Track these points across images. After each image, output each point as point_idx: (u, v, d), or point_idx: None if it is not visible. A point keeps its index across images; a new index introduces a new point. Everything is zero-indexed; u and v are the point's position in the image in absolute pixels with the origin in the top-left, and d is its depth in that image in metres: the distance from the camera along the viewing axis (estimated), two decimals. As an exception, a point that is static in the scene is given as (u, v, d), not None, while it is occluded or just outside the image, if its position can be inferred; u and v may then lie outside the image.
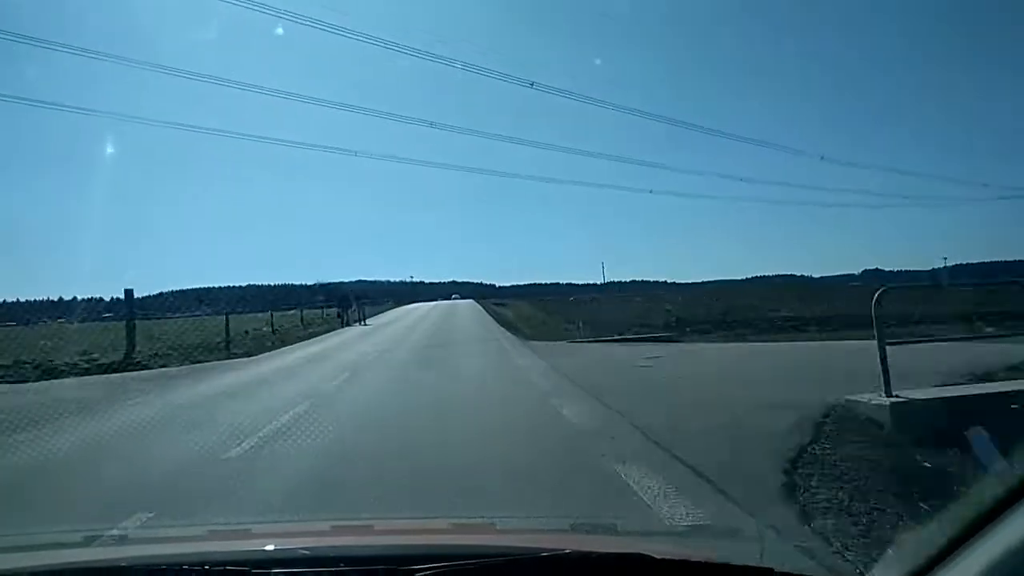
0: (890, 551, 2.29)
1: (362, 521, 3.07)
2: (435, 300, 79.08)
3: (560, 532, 2.46)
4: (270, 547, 1.82)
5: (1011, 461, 2.79)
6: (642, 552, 1.51)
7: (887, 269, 71.22)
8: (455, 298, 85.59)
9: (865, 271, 73.85)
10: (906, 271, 67.60)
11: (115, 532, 2.73)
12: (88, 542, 2.24)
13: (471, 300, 71.77)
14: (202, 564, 1.56)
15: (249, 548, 1.91)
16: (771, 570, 1.45)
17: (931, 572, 1.20)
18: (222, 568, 1.51)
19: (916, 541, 1.48)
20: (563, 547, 1.57)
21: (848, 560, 3.26)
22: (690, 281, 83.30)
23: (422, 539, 2.11)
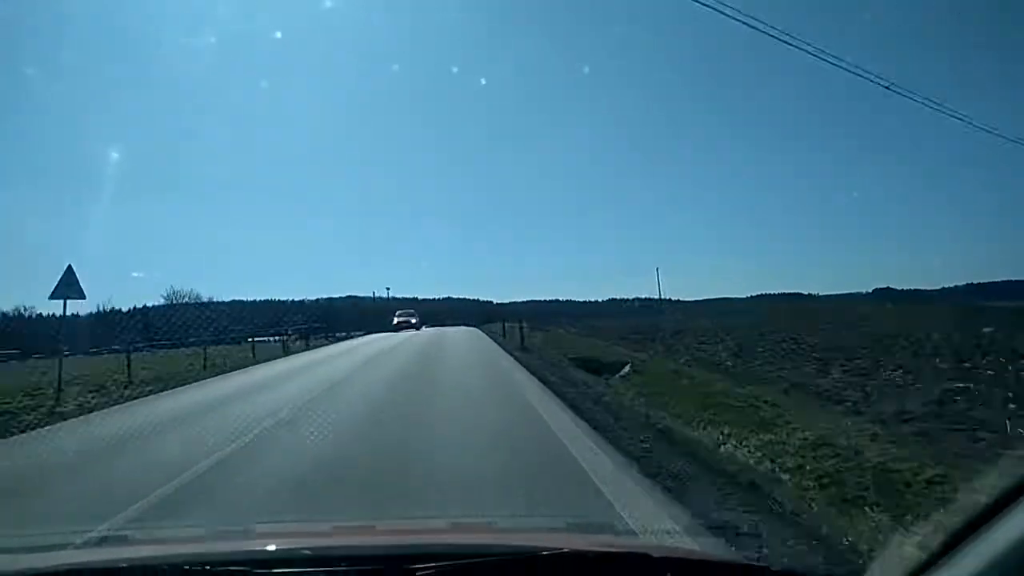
0: (888, 550, 2.30)
1: (363, 521, 3.09)
2: (407, 326, 42.66)
3: (558, 531, 2.47)
4: (272, 547, 1.83)
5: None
6: (640, 551, 1.52)
7: (898, 288, 67.78)
8: (422, 327, 44.33)
9: (876, 290, 70.55)
10: (918, 290, 63.86)
11: (115, 532, 2.75)
12: (88, 543, 2.25)
13: (473, 328, 40.03)
14: (203, 564, 1.56)
15: (251, 548, 1.92)
16: (768, 568, 1.47)
17: (928, 571, 1.20)
18: (224, 568, 1.51)
19: (913, 540, 1.49)
20: (561, 546, 1.58)
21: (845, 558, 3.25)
22: (690, 299, 76.21)
23: (422, 538, 2.12)
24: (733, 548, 3.18)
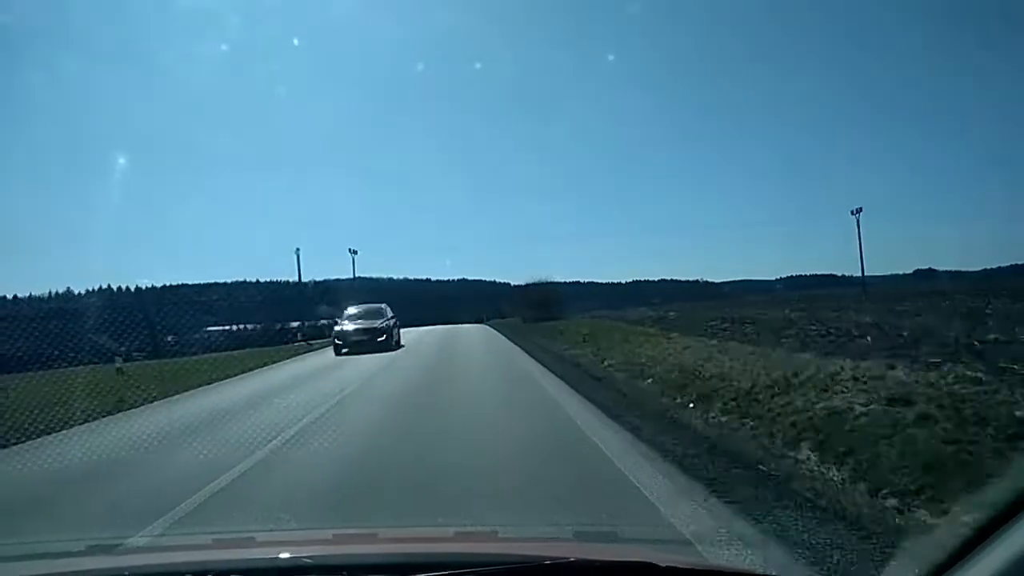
0: (899, 558, 2.26)
1: (366, 529, 3.09)
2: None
3: (563, 540, 2.46)
4: (273, 555, 1.82)
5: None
6: (646, 560, 1.50)
7: (941, 269, 63.82)
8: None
9: (917, 271, 66.44)
10: (963, 271, 59.87)
11: (117, 541, 2.75)
12: (93, 551, 2.25)
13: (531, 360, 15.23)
14: (205, 573, 1.56)
15: (253, 556, 1.91)
16: None
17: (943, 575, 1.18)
18: None
19: (926, 546, 1.46)
20: (566, 555, 1.56)
21: (849, 558, 3.23)
22: (710, 280, 71.02)
23: (425, 547, 2.11)
24: (740, 558, 3.16)
